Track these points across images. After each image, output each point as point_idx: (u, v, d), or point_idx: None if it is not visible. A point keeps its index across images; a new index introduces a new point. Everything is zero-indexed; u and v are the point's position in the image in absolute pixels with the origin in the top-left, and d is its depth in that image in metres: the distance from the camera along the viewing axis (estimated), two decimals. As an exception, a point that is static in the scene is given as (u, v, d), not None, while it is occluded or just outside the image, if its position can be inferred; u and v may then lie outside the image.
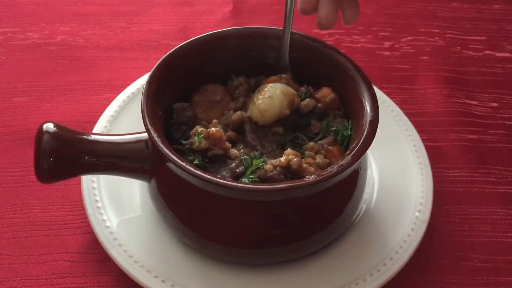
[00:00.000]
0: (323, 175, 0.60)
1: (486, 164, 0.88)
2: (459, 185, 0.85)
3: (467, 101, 0.97)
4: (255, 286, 0.68)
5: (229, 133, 0.69)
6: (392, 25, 1.11)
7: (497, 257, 0.77)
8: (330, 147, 0.68)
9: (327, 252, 0.71)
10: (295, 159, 0.64)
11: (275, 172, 0.64)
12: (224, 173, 0.64)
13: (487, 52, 1.07)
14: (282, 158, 0.65)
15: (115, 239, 0.70)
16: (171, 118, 0.71)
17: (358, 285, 0.68)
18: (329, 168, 0.62)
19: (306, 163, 0.65)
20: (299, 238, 0.66)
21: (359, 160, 0.62)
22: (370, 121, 0.65)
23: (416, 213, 0.75)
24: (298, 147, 0.70)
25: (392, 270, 0.70)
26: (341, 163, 0.61)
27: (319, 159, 0.67)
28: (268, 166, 0.65)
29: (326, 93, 0.72)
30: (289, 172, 0.65)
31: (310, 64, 0.74)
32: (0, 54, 0.99)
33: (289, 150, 0.66)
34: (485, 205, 0.82)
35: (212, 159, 0.66)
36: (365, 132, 0.64)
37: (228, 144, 0.67)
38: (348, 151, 0.64)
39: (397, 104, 0.89)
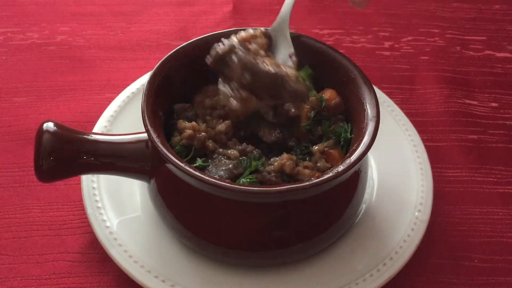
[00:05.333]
0: (322, 178, 0.60)
1: (486, 164, 0.88)
2: (459, 185, 0.85)
3: (467, 101, 0.97)
4: (255, 287, 0.68)
5: (222, 126, 0.69)
6: (392, 25, 1.11)
7: (497, 257, 0.77)
8: (330, 150, 0.68)
9: (327, 252, 0.71)
10: (288, 163, 0.64)
11: (272, 175, 0.64)
12: (222, 173, 0.64)
13: (487, 52, 1.07)
14: (276, 163, 0.65)
15: (115, 239, 0.70)
16: (172, 118, 0.71)
17: (358, 285, 0.68)
18: (328, 171, 0.62)
19: (304, 166, 0.65)
20: (298, 241, 0.66)
21: (359, 163, 0.62)
22: (371, 124, 0.65)
23: (416, 213, 0.75)
24: (300, 153, 0.70)
25: (392, 270, 0.70)
26: (341, 166, 0.61)
27: (320, 163, 0.67)
28: (264, 173, 0.65)
29: (331, 96, 0.71)
30: (284, 176, 0.65)
31: (311, 65, 0.74)
32: (0, 54, 0.99)
33: (284, 155, 0.66)
34: (485, 205, 0.82)
35: (211, 158, 0.67)
36: (366, 135, 0.64)
37: (203, 135, 0.67)
38: (348, 154, 0.63)
39: (397, 104, 0.89)
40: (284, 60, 0.71)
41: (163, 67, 0.69)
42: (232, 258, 0.68)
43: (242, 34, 0.69)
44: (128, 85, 0.88)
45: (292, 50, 0.72)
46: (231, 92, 0.67)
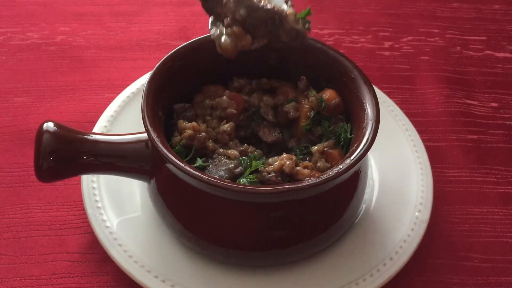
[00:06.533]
0: (322, 178, 0.60)
1: (486, 164, 0.88)
2: (459, 185, 0.85)
3: (467, 101, 0.97)
4: (255, 287, 0.68)
5: (226, 126, 0.69)
6: (392, 25, 1.11)
7: (497, 257, 0.77)
8: (330, 151, 0.68)
9: (327, 252, 0.71)
10: (288, 163, 0.64)
11: (272, 175, 0.64)
12: (222, 173, 0.64)
13: (487, 52, 1.07)
14: (276, 163, 0.65)
15: (115, 239, 0.70)
16: (172, 118, 0.71)
17: (358, 285, 0.68)
18: (328, 171, 0.62)
19: (304, 166, 0.65)
20: (298, 241, 0.66)
21: (359, 163, 0.62)
22: (371, 124, 0.65)
23: (416, 213, 0.75)
24: (300, 153, 0.70)
25: (392, 270, 0.70)
26: (341, 166, 0.61)
27: (320, 163, 0.67)
28: (264, 173, 0.65)
29: (331, 96, 0.71)
30: (284, 176, 0.65)
31: (312, 65, 0.74)
32: (0, 54, 0.99)
33: (284, 155, 0.66)
34: (485, 205, 0.82)
35: (212, 158, 0.67)
36: (366, 135, 0.64)
37: (203, 135, 0.67)
38: (348, 154, 0.63)
39: (397, 104, 0.89)
40: (279, 5, 0.67)
41: (163, 67, 0.69)
42: (232, 258, 0.68)
43: None
44: (128, 85, 0.88)
45: None
46: (222, 29, 0.62)
